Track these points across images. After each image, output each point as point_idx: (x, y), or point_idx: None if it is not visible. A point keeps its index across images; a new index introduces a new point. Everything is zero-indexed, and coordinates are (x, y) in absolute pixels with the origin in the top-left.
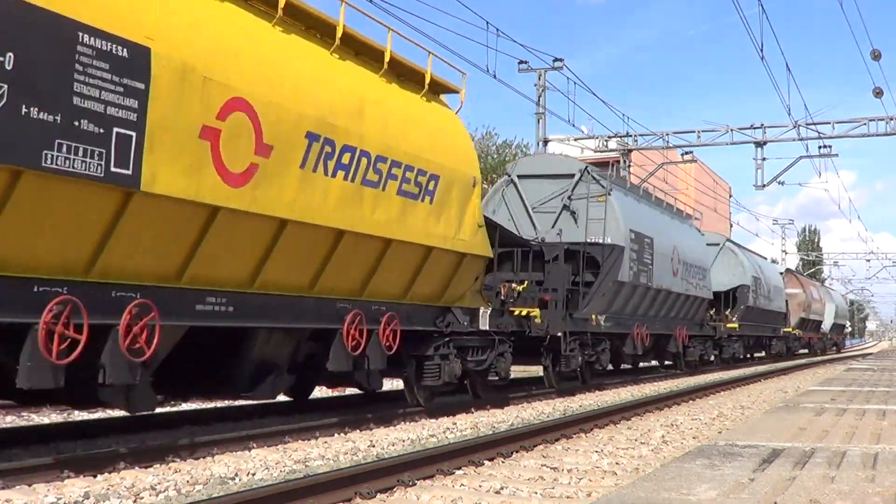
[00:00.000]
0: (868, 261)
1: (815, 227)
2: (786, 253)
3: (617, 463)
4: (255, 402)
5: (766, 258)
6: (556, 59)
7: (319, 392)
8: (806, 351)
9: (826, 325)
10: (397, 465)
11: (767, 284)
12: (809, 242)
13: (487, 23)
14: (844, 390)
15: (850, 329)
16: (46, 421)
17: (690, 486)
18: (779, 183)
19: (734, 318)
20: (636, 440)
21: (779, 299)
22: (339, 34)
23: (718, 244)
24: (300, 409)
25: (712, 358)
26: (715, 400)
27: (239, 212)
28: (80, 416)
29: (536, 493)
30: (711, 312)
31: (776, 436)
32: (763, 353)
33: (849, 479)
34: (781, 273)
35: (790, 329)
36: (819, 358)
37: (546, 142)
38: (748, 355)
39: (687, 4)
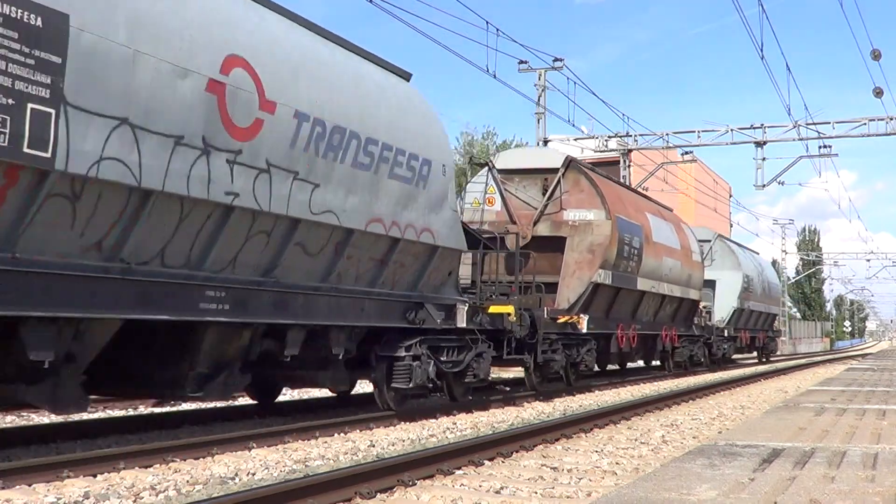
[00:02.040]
0: (868, 261)
1: (815, 227)
2: (786, 253)
3: (617, 463)
4: (254, 402)
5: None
6: (556, 59)
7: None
8: (644, 361)
9: (720, 312)
10: (397, 464)
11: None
12: (809, 242)
13: (487, 23)
14: (844, 390)
15: (848, 329)
16: (46, 421)
17: (690, 486)
18: (779, 183)
19: None
20: (636, 440)
21: (432, 216)
22: None
23: None
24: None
25: None
26: (715, 400)
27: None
28: (80, 415)
29: (536, 492)
30: None
31: (776, 436)
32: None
33: (849, 479)
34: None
35: (508, 314)
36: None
37: (546, 141)
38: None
39: (687, 4)
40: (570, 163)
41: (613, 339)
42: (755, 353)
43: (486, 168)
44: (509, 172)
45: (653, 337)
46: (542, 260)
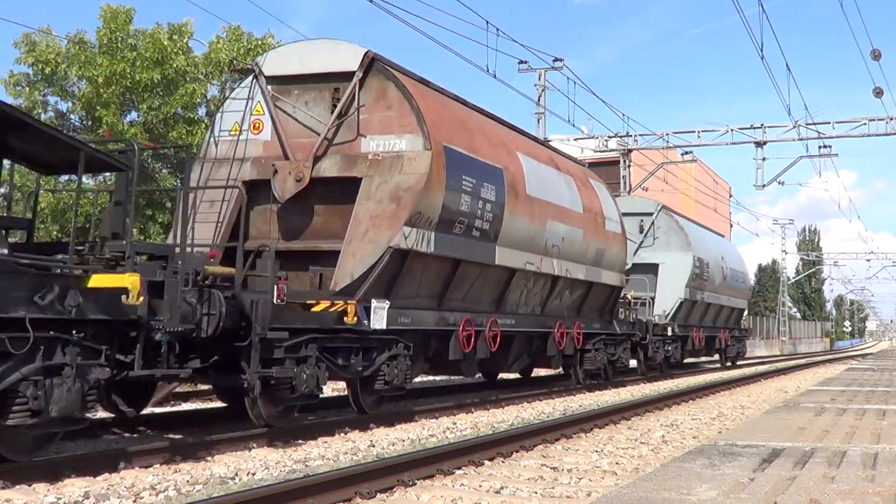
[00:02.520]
0: (868, 261)
1: (815, 227)
2: (786, 253)
3: (617, 463)
4: None
5: None
6: (556, 59)
7: None
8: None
9: (662, 304)
10: (397, 464)
11: None
12: (809, 242)
13: (487, 23)
14: (844, 390)
15: (848, 329)
16: None
17: (690, 486)
18: (779, 183)
19: None
20: (636, 440)
21: None
22: None
23: None
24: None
25: None
26: (715, 400)
27: None
28: None
29: (536, 492)
30: None
31: (776, 436)
32: None
33: (849, 479)
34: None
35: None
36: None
37: (546, 141)
38: None
39: (687, 4)
40: (371, 61)
41: (454, 339)
42: (717, 357)
43: (252, 77)
44: (285, 81)
45: (542, 336)
46: (332, 216)
